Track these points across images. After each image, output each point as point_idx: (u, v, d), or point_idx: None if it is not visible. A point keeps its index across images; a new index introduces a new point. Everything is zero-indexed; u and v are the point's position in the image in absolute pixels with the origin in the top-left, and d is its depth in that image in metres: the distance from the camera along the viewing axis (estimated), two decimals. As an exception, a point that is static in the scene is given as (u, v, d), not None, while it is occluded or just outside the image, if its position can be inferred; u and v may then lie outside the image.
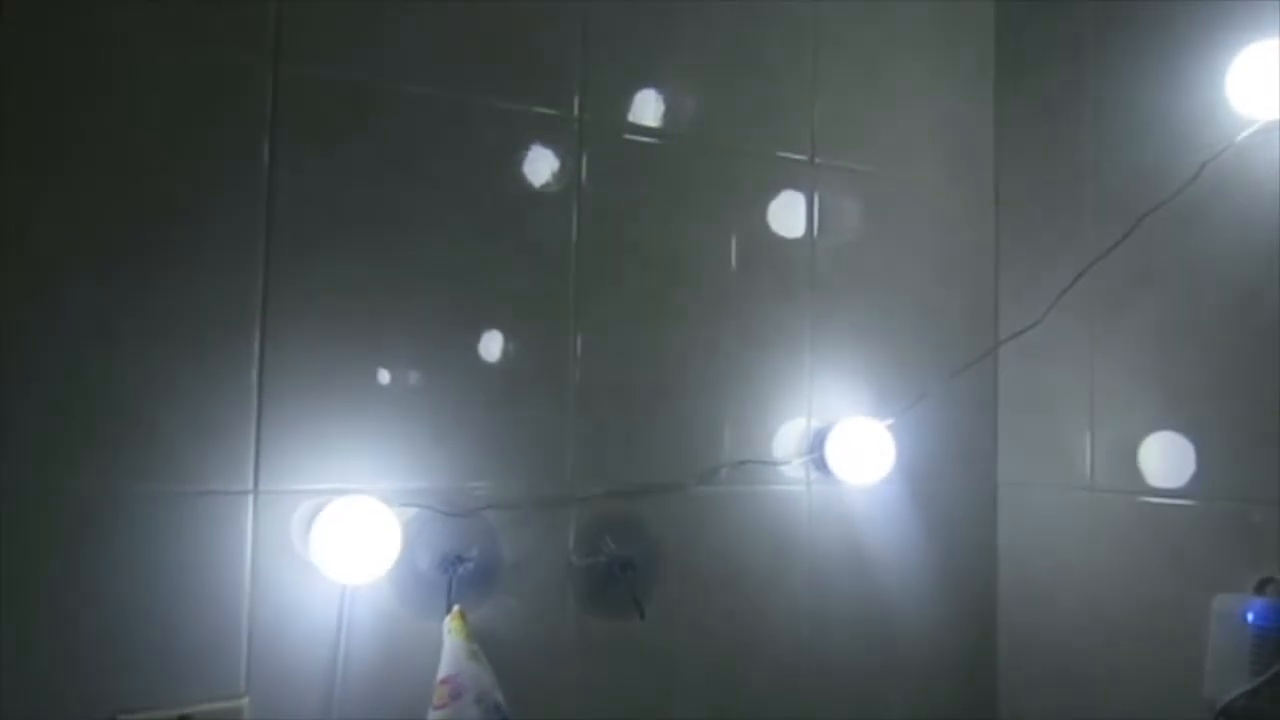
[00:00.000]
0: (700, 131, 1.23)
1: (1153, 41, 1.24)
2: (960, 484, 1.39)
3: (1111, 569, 1.25)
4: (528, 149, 1.12)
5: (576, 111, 1.15)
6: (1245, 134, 1.11)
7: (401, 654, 1.01)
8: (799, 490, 1.27)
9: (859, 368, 1.32)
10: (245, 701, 0.95)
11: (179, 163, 0.95)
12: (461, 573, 1.04)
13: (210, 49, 0.96)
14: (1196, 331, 1.17)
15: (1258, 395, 1.10)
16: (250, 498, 0.96)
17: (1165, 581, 1.18)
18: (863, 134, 1.34)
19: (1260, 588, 1.05)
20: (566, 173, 1.14)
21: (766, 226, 1.27)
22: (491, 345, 1.09)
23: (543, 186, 1.13)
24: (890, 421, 1.29)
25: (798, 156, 1.29)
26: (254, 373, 0.97)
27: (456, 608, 1.01)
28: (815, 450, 1.27)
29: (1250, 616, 1.04)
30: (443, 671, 0.96)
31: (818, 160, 1.30)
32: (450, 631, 0.99)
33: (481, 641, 1.00)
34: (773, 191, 1.27)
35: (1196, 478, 1.16)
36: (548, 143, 1.13)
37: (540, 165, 1.13)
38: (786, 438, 1.26)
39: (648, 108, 1.20)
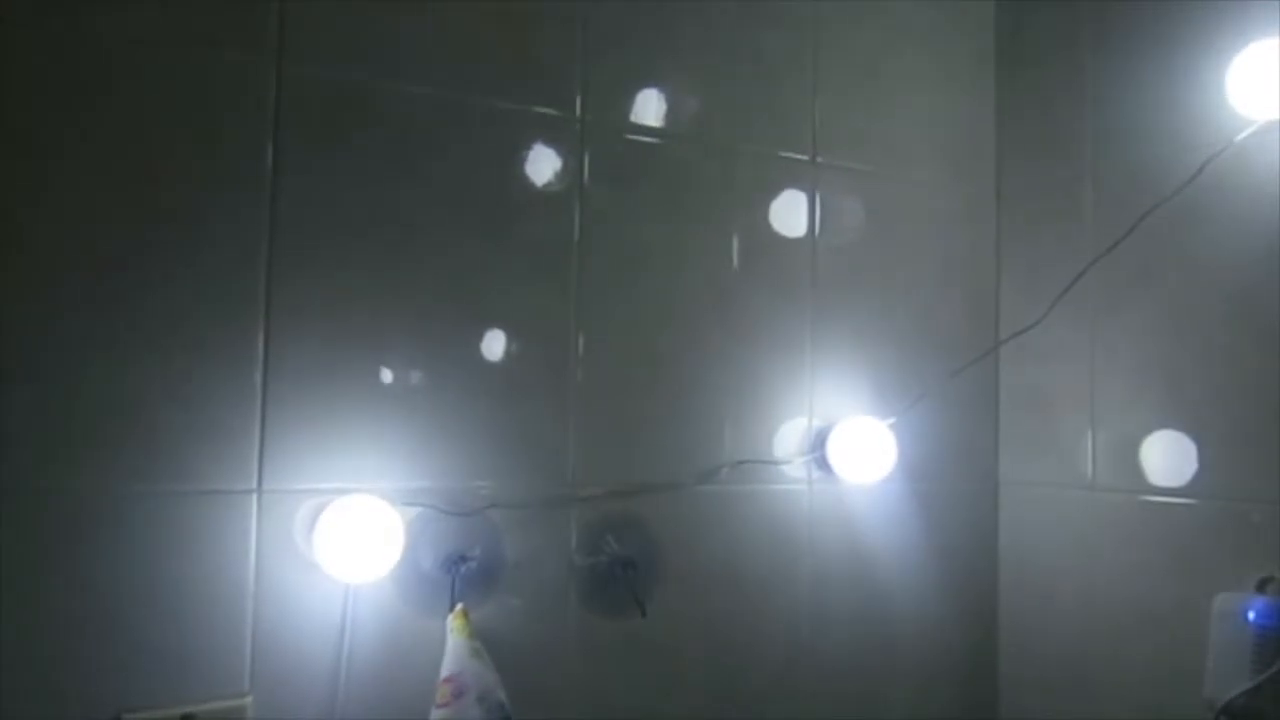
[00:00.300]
0: (701, 131, 1.23)
1: (1153, 42, 1.24)
2: (961, 483, 1.39)
3: (1112, 568, 1.25)
4: (529, 149, 1.12)
5: (578, 112, 1.15)
6: (1245, 133, 1.11)
7: (404, 653, 1.01)
8: (800, 489, 1.27)
9: (860, 367, 1.32)
10: (249, 700, 0.95)
11: (182, 163, 0.95)
12: (464, 572, 1.04)
13: (213, 50, 0.96)
14: (1197, 331, 1.18)
15: (1258, 394, 1.10)
16: (254, 497, 0.96)
17: (1166, 580, 1.18)
18: (863, 134, 1.34)
19: (1261, 586, 1.06)
20: (568, 173, 1.14)
21: (768, 226, 1.27)
22: (494, 345, 1.09)
23: (544, 186, 1.13)
24: (892, 421, 1.29)
25: (799, 156, 1.29)
26: (257, 372, 0.97)
27: (459, 606, 1.01)
28: (816, 449, 1.27)
29: (1251, 615, 1.04)
30: (445, 670, 0.97)
31: (819, 160, 1.30)
32: (453, 630, 0.99)
33: (484, 640, 1.00)
34: (774, 191, 1.28)
35: (1197, 477, 1.17)
36: (549, 143, 1.13)
37: (542, 165, 1.13)
38: (788, 437, 1.26)
39: (649, 108, 1.20)
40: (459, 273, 1.08)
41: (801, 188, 1.29)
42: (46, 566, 0.88)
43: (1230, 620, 1.06)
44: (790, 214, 1.28)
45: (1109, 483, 1.26)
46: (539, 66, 1.13)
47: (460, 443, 1.06)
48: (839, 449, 1.26)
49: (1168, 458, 1.20)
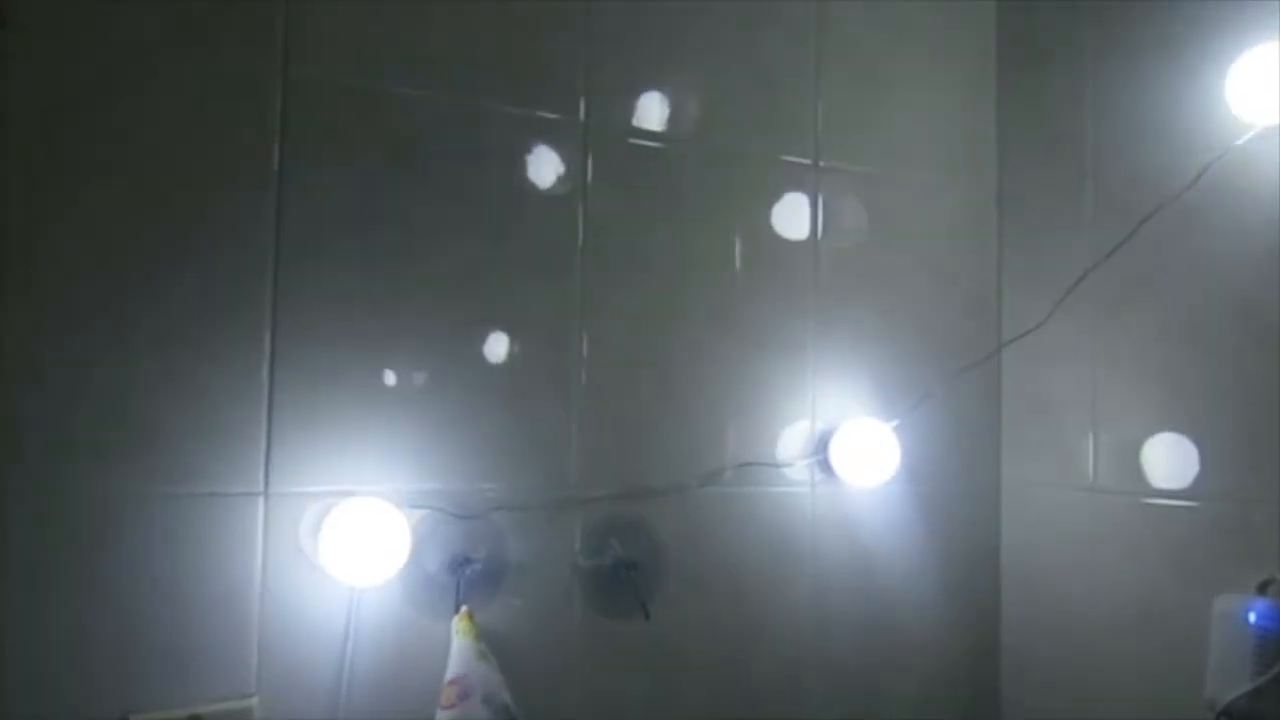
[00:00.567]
0: (704, 135, 1.23)
1: (1154, 46, 1.25)
2: (963, 485, 1.39)
3: (1114, 569, 1.25)
4: (533, 152, 1.13)
5: (581, 115, 1.16)
6: (1245, 138, 1.12)
7: (410, 654, 1.02)
8: (803, 492, 1.27)
9: (862, 369, 1.32)
10: (255, 701, 0.96)
11: (189, 166, 0.95)
12: (469, 574, 1.04)
13: (220, 54, 0.97)
14: (1198, 333, 1.18)
15: (1259, 396, 1.11)
16: (260, 499, 0.97)
17: (1167, 582, 1.19)
18: (865, 137, 1.35)
19: (1262, 588, 1.06)
20: (571, 176, 1.15)
21: (770, 229, 1.27)
22: (498, 347, 1.10)
23: (548, 190, 1.13)
24: (895, 423, 1.29)
25: (801, 159, 1.30)
26: (264, 375, 0.97)
27: (464, 608, 1.02)
28: (819, 452, 1.28)
29: (1252, 617, 1.04)
30: (451, 672, 0.97)
31: (821, 163, 1.31)
32: (458, 632, 1.00)
33: (489, 642, 1.00)
34: (776, 194, 1.28)
35: (1199, 478, 1.17)
36: (553, 146, 1.14)
37: (546, 169, 1.13)
38: (791, 439, 1.27)
39: (652, 111, 1.21)
40: (464, 275, 1.08)
41: (804, 191, 1.30)
42: (53, 568, 0.89)
43: (1231, 622, 1.06)
44: (793, 217, 1.29)
45: (1111, 485, 1.27)
46: (543, 70, 1.14)
47: (465, 445, 1.07)
48: (841, 451, 1.26)
49: (1169, 460, 1.20)
